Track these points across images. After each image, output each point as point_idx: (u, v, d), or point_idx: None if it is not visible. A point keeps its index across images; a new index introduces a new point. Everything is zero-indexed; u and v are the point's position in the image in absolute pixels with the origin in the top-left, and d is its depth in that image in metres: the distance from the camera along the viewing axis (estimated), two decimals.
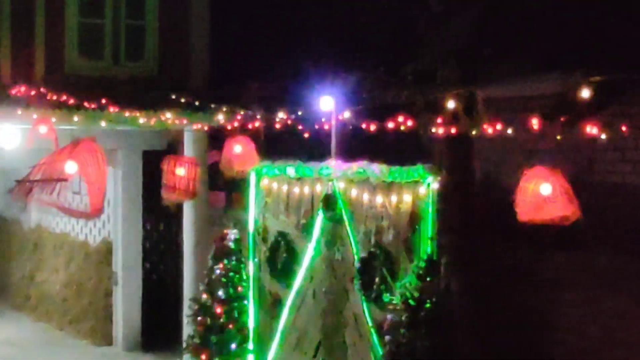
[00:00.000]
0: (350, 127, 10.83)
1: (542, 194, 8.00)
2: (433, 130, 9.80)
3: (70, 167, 8.03)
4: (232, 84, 14.07)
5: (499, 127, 9.16)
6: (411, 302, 9.53)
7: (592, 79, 7.82)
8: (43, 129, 11.16)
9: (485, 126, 9.18)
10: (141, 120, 12.74)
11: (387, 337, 9.75)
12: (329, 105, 10.94)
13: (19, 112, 12.16)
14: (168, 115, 12.82)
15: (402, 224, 10.25)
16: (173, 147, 14.88)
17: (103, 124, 12.61)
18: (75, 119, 12.38)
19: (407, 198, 10.18)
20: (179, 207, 14.09)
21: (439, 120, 9.65)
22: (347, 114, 10.64)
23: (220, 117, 12.62)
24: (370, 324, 10.55)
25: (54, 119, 11.99)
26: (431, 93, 10.12)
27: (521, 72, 10.33)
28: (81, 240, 17.79)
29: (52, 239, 18.89)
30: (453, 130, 9.61)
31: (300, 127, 11.76)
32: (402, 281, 9.96)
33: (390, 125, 10.04)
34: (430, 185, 9.99)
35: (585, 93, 7.91)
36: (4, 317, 18.86)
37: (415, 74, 11.32)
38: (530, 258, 10.57)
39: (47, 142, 10.95)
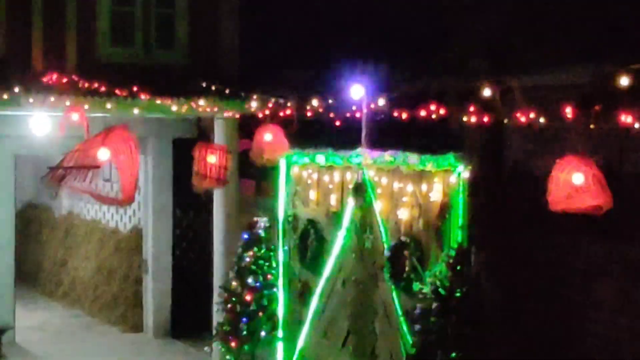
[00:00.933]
0: (381, 116, 10.80)
1: (574, 184, 7.94)
2: (464, 119, 9.76)
3: (103, 154, 8.05)
4: (263, 72, 14.08)
5: (531, 115, 9.11)
6: (441, 290, 9.52)
7: (633, 66, 7.71)
8: (75, 116, 11.21)
9: (518, 115, 9.13)
10: (174, 108, 12.77)
11: (416, 326, 9.74)
12: (359, 93, 10.91)
13: (52, 99, 12.23)
14: (201, 103, 12.84)
15: (432, 212, 10.23)
16: (203, 134, 14.91)
17: (136, 111, 12.66)
18: (108, 106, 12.43)
19: (438, 187, 10.15)
20: (209, 195, 14.13)
21: (471, 109, 9.61)
22: (377, 103, 10.62)
23: (254, 104, 12.63)
24: (399, 312, 10.54)
25: (86, 107, 12.05)
26: (462, 82, 10.08)
27: (553, 61, 10.26)
28: (112, 228, 17.90)
29: (83, 226, 19.01)
30: (485, 119, 9.57)
31: (331, 115, 11.74)
32: (432, 270, 9.95)
33: (422, 113, 10.01)
34: (461, 174, 9.96)
35: (625, 81, 7.81)
36: (36, 303, 19.01)
37: (446, 63, 11.28)
38: (561, 248, 10.51)
39: (78, 130, 11.01)
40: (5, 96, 12.20)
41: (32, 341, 15.90)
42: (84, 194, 8.60)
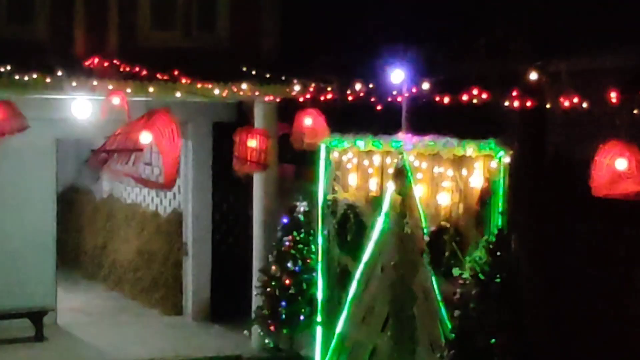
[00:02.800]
0: (422, 100, 10.76)
1: (617, 169, 7.88)
2: (506, 103, 9.69)
3: (145, 138, 8.10)
4: (304, 56, 14.06)
5: (575, 100, 9.03)
6: (481, 276, 9.48)
7: None
8: (116, 100, 11.29)
9: (561, 99, 9.05)
10: (215, 92, 12.79)
11: (456, 311, 9.71)
12: (400, 78, 10.89)
13: (95, 83, 12.30)
14: (243, 87, 12.85)
15: (472, 198, 10.18)
16: (243, 119, 14.94)
17: (178, 94, 12.70)
18: (150, 89, 12.49)
19: (478, 172, 10.10)
20: (248, 179, 14.17)
21: (514, 94, 9.54)
22: (418, 87, 10.58)
23: (297, 88, 12.61)
24: (439, 298, 10.51)
25: (128, 90, 12.12)
26: (505, 66, 10.01)
27: (597, 44, 10.16)
28: (152, 211, 17.99)
29: (124, 209, 19.13)
30: (528, 104, 9.49)
31: (372, 100, 11.71)
32: (472, 255, 9.90)
33: (464, 98, 9.95)
34: (501, 159, 9.90)
35: None
36: (77, 285, 19.17)
37: (488, 46, 11.21)
38: (603, 234, 10.43)
39: (119, 114, 11.08)
40: (48, 80, 12.29)
41: (73, 323, 16.05)
42: (127, 177, 8.67)
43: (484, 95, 9.88)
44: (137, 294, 18.02)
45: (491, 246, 9.59)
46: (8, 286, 15.16)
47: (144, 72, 12.71)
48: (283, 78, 13.11)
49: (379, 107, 11.69)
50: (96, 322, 16.37)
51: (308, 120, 11.91)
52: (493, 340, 9.28)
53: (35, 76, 12.25)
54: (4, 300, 14.98)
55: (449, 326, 10.10)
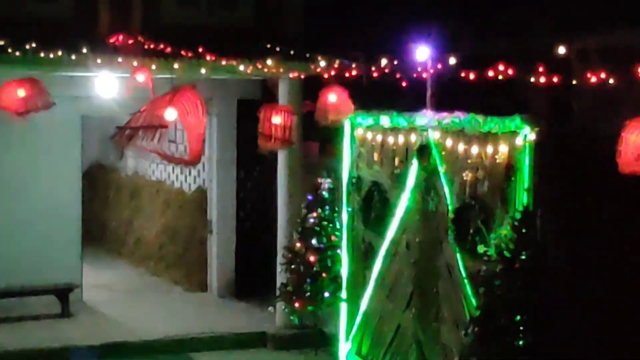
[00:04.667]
0: (447, 77, 10.71)
1: None
2: (532, 80, 9.62)
3: (170, 114, 8.12)
4: (327, 32, 14.02)
5: (602, 76, 8.94)
6: (506, 253, 9.43)
7: None
8: (141, 77, 11.31)
9: (587, 76, 8.97)
10: (241, 68, 12.78)
11: (480, 289, 9.69)
12: (424, 54, 10.84)
13: (120, 60, 12.32)
14: (269, 63, 12.83)
15: (497, 175, 10.13)
16: (267, 96, 14.93)
17: (203, 71, 12.70)
18: (175, 66, 12.50)
19: (503, 149, 10.04)
20: (273, 156, 14.17)
21: (540, 70, 9.46)
22: (443, 64, 10.52)
23: (323, 64, 12.58)
24: (463, 275, 10.49)
25: (153, 67, 12.13)
26: (531, 42, 9.93)
27: (622, 20, 10.05)
28: (177, 188, 18.07)
29: (149, 186, 19.22)
30: (555, 80, 9.41)
31: (396, 77, 11.66)
32: (497, 232, 9.86)
33: (490, 74, 9.88)
34: (527, 136, 9.84)
35: None
36: (102, 262, 19.29)
37: (513, 22, 11.12)
38: (629, 211, 10.36)
39: (143, 91, 11.09)
40: (73, 57, 12.32)
41: (98, 299, 16.16)
42: (152, 153, 8.69)
43: (510, 72, 9.79)
44: (162, 270, 18.12)
45: (516, 223, 9.54)
46: (34, 263, 15.28)
47: (169, 49, 12.71)
48: (307, 55, 13.08)
49: (403, 84, 11.64)
50: (121, 298, 16.49)
51: (332, 97, 11.89)
52: (518, 318, 9.25)
53: (60, 53, 12.28)
54: (30, 277, 15.10)
55: (474, 303, 10.08)
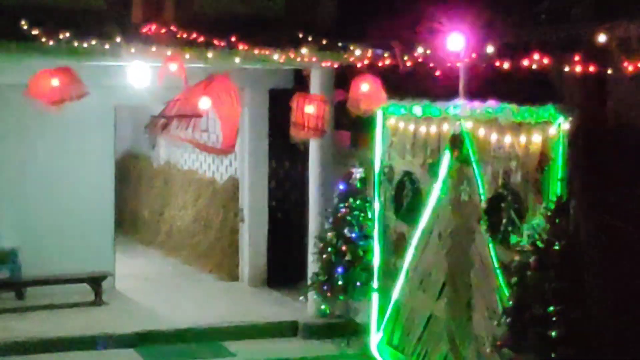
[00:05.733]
0: (482, 66, 10.64)
1: None
2: (567, 68, 9.53)
3: (204, 103, 8.13)
4: (360, 22, 13.97)
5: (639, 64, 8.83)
6: (539, 244, 9.38)
7: None
8: (173, 66, 11.33)
9: (625, 64, 8.87)
10: (275, 57, 12.77)
11: (513, 279, 9.65)
12: (458, 43, 10.79)
13: (153, 49, 12.36)
14: (303, 51, 12.81)
15: (530, 165, 10.08)
16: (299, 85, 14.92)
17: (237, 60, 12.70)
18: (209, 55, 12.51)
19: (537, 138, 9.98)
20: (305, 146, 14.17)
21: (576, 59, 9.36)
22: (477, 53, 10.46)
23: (357, 52, 12.53)
24: (496, 265, 10.45)
25: (187, 56, 12.14)
26: (567, 30, 9.83)
27: None
28: (209, 178, 18.11)
29: (181, 175, 19.28)
30: (591, 68, 9.31)
31: (429, 66, 11.60)
32: (530, 223, 9.82)
33: (524, 63, 9.80)
34: (561, 125, 9.77)
35: None
36: (134, 251, 19.39)
37: (549, 11, 11.03)
38: None
39: (175, 80, 11.12)
40: (107, 46, 12.37)
41: (131, 288, 16.25)
42: (186, 142, 8.70)
43: (545, 61, 9.71)
44: (194, 259, 18.19)
45: (550, 213, 9.49)
46: (68, 252, 15.38)
47: (201, 39, 12.73)
48: (340, 44, 13.04)
49: (437, 73, 11.56)
50: (154, 287, 16.57)
51: (365, 86, 11.86)
52: (551, 309, 9.20)
53: (94, 43, 12.33)
54: (64, 265, 15.21)
55: (506, 294, 10.05)
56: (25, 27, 12.26)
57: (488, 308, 10.56)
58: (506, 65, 10.30)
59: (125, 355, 13.13)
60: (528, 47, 10.10)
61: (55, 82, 11.50)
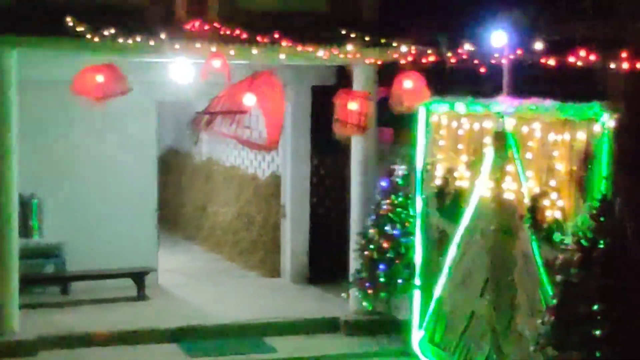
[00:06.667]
0: (527, 63, 10.57)
1: None
2: (613, 65, 9.45)
3: (249, 100, 8.15)
4: (403, 18, 13.93)
5: None
6: (584, 242, 9.31)
7: None
8: (216, 63, 11.37)
9: None
10: (319, 54, 12.77)
11: (557, 277, 9.58)
12: (502, 40, 10.73)
13: (197, 45, 12.40)
14: (349, 48, 12.79)
15: (575, 162, 10.01)
16: (341, 82, 14.91)
17: (282, 56, 12.71)
18: (254, 52, 12.53)
19: (581, 136, 9.91)
20: (347, 143, 14.16)
21: (623, 55, 9.28)
22: (522, 49, 10.40)
23: (404, 49, 12.49)
24: (539, 263, 10.39)
25: (231, 52, 12.17)
26: (612, 26, 9.74)
27: None
28: (251, 174, 18.16)
29: (223, 171, 19.35)
30: (639, 65, 9.21)
31: (475, 62, 11.54)
32: (574, 220, 9.75)
33: (571, 60, 9.73)
34: (605, 123, 9.69)
35: None
36: (177, 247, 19.51)
37: (595, 7, 10.94)
38: None
39: (218, 77, 11.16)
40: (151, 43, 12.44)
41: (174, 283, 16.34)
42: (231, 139, 8.73)
43: (592, 58, 9.63)
44: (236, 255, 18.25)
45: (594, 211, 9.41)
46: (111, 247, 15.50)
47: (244, 35, 12.75)
48: (383, 41, 13.01)
49: (482, 70, 11.48)
50: (196, 283, 16.65)
51: (408, 82, 11.83)
52: (595, 307, 9.13)
53: (138, 39, 12.40)
54: (108, 260, 15.34)
55: (550, 292, 9.98)
56: (70, 24, 12.37)
57: (531, 306, 10.50)
58: (551, 62, 10.23)
59: (167, 349, 13.20)
60: (573, 43, 10.02)
61: (99, 78, 11.62)
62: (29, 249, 14.59)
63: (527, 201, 10.57)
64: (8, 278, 12.86)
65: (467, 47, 11.29)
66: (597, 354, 9.00)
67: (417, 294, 12.82)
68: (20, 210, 13.77)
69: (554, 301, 9.52)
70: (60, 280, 15.37)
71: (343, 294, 14.40)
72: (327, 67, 15.32)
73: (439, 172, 12.36)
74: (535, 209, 10.42)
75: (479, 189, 11.53)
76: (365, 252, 13.46)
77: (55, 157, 15.44)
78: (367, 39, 13.13)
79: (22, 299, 13.21)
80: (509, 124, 10.92)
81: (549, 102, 10.33)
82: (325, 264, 16.13)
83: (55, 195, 15.31)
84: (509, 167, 10.95)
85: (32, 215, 15.09)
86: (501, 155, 11.08)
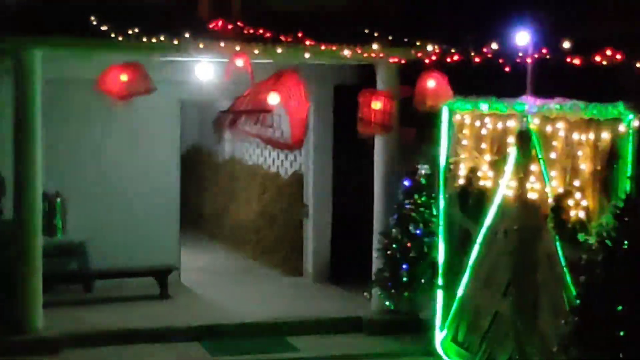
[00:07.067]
0: (550, 63, 10.53)
1: None
2: (638, 65, 9.41)
3: (273, 99, 8.17)
4: (427, 16, 13.91)
5: None
6: (608, 242, 9.27)
7: None
8: (240, 62, 11.40)
9: None
10: (344, 53, 12.76)
11: (581, 277, 9.55)
12: (525, 40, 10.70)
13: (222, 44, 12.43)
14: (374, 47, 12.77)
15: (599, 162, 9.97)
16: (364, 82, 14.89)
17: (307, 55, 12.71)
18: (279, 51, 12.54)
19: (606, 136, 9.87)
20: (370, 142, 14.15)
21: None
22: (546, 49, 10.36)
23: (430, 47, 12.47)
24: (563, 263, 10.35)
25: (256, 52, 12.18)
26: (637, 26, 9.70)
27: None
28: (273, 173, 18.18)
29: (245, 170, 19.39)
30: None
31: (500, 62, 11.50)
32: (598, 221, 9.71)
33: (596, 59, 9.69)
34: (630, 122, 9.65)
35: None
36: (200, 245, 19.56)
37: (618, 6, 10.89)
38: None
39: (241, 76, 11.18)
40: (175, 42, 12.48)
41: (196, 282, 16.39)
42: (255, 138, 8.75)
43: (618, 57, 9.58)
44: (258, 254, 18.28)
45: (619, 211, 9.37)
46: (135, 246, 15.57)
47: (268, 35, 12.77)
48: (406, 40, 12.99)
49: (507, 69, 11.44)
50: (219, 281, 16.69)
51: (431, 82, 11.81)
52: (619, 308, 9.09)
53: (162, 39, 12.44)
54: (131, 259, 15.41)
55: (573, 292, 9.95)
56: (95, 23, 12.43)
57: (555, 306, 10.46)
58: (576, 62, 10.19)
59: (190, 348, 13.24)
60: (596, 43, 9.98)
61: (123, 77, 11.67)
62: (53, 247, 14.65)
63: (550, 201, 10.53)
64: (32, 276, 12.92)
65: (493, 46, 11.24)
66: (621, 355, 8.97)
67: (439, 294, 12.79)
68: (46, 208, 13.84)
69: (578, 301, 9.50)
70: (83, 278, 15.44)
71: (365, 294, 14.39)
72: (350, 66, 15.32)
73: (462, 171, 12.33)
74: (559, 209, 10.38)
75: (503, 189, 11.50)
76: (388, 252, 13.46)
77: (79, 155, 15.51)
78: (390, 37, 13.11)
79: (46, 296, 13.27)
80: (533, 124, 10.88)
81: (573, 102, 10.30)
82: (347, 263, 16.13)
83: (79, 194, 15.37)
84: (533, 167, 10.91)
85: (57, 214, 15.14)
86: (525, 154, 11.04)
